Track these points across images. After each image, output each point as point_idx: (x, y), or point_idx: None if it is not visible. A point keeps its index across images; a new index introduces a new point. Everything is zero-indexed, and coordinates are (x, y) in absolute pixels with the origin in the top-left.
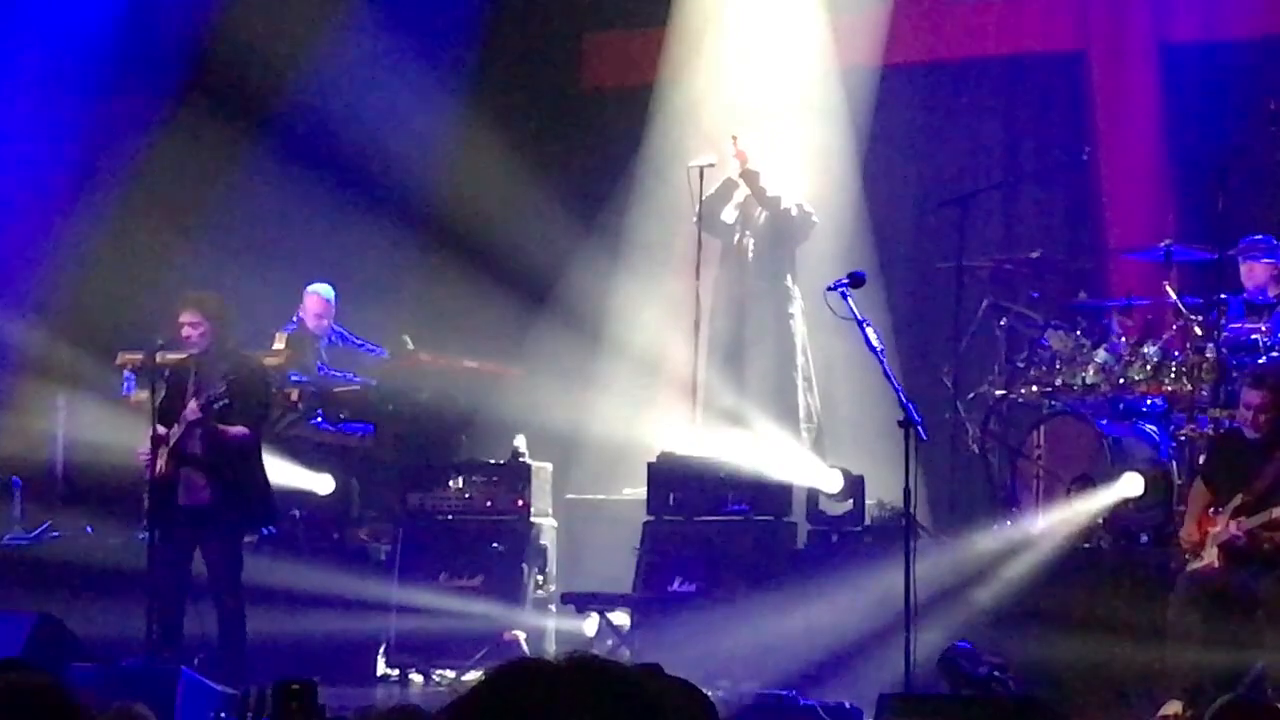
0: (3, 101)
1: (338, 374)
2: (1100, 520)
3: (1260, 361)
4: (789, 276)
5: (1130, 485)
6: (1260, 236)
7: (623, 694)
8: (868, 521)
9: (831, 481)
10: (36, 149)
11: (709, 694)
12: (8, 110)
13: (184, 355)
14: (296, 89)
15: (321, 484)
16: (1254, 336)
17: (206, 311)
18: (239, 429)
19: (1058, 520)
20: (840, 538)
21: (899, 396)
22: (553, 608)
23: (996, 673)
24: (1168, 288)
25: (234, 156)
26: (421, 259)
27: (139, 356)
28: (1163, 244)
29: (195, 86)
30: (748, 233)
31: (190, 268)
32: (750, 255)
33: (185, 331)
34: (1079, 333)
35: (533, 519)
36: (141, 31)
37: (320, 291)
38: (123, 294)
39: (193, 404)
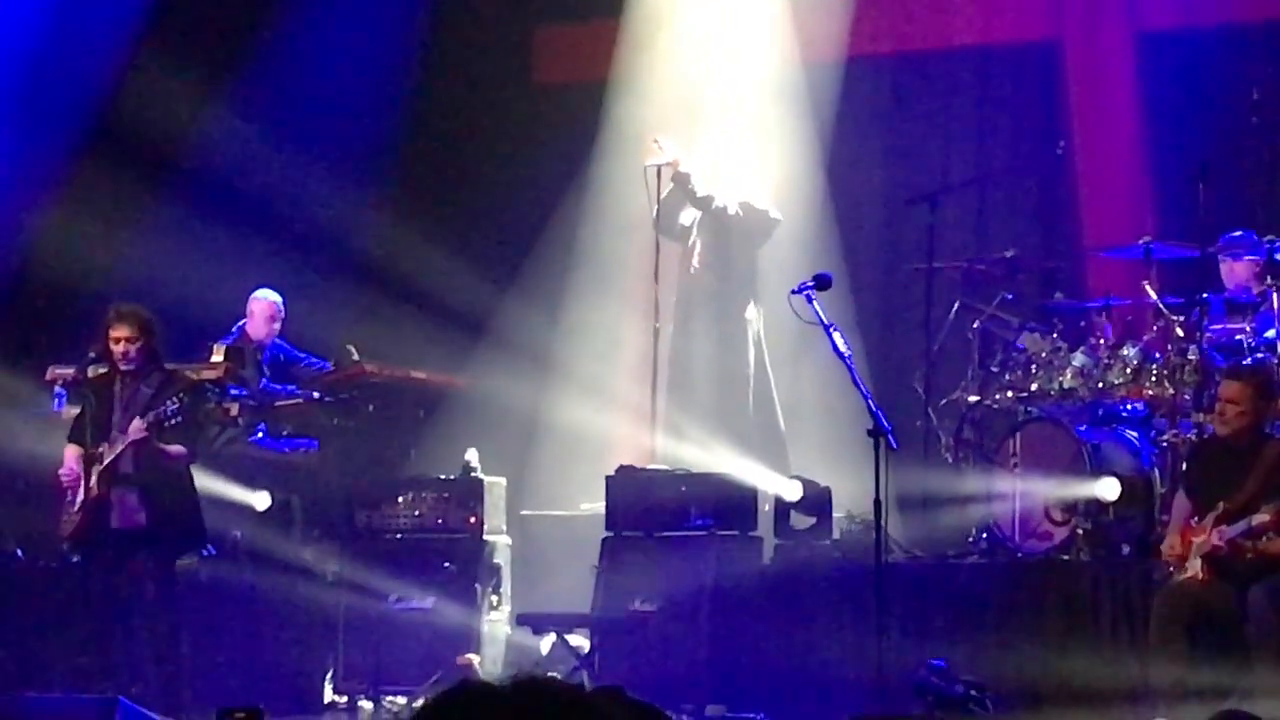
0: None
1: (279, 388)
2: (1080, 531)
3: (1245, 362)
4: (742, 280)
5: (1106, 489)
6: (1240, 233)
7: (571, 717)
8: (836, 535)
9: (791, 490)
10: None
11: (673, 718)
12: None
13: (108, 370)
14: (230, 98)
15: (258, 500)
16: (1238, 337)
17: (140, 324)
18: (178, 448)
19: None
20: (808, 553)
21: (868, 404)
22: (508, 629)
23: (973, 691)
24: (1147, 287)
25: (168, 166)
26: (365, 264)
27: (70, 371)
28: (1142, 241)
29: (122, 98)
30: (698, 236)
31: (119, 281)
32: (695, 258)
33: (122, 348)
34: (1055, 335)
35: (486, 536)
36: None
37: (268, 296)
38: (51, 308)
39: (138, 421)
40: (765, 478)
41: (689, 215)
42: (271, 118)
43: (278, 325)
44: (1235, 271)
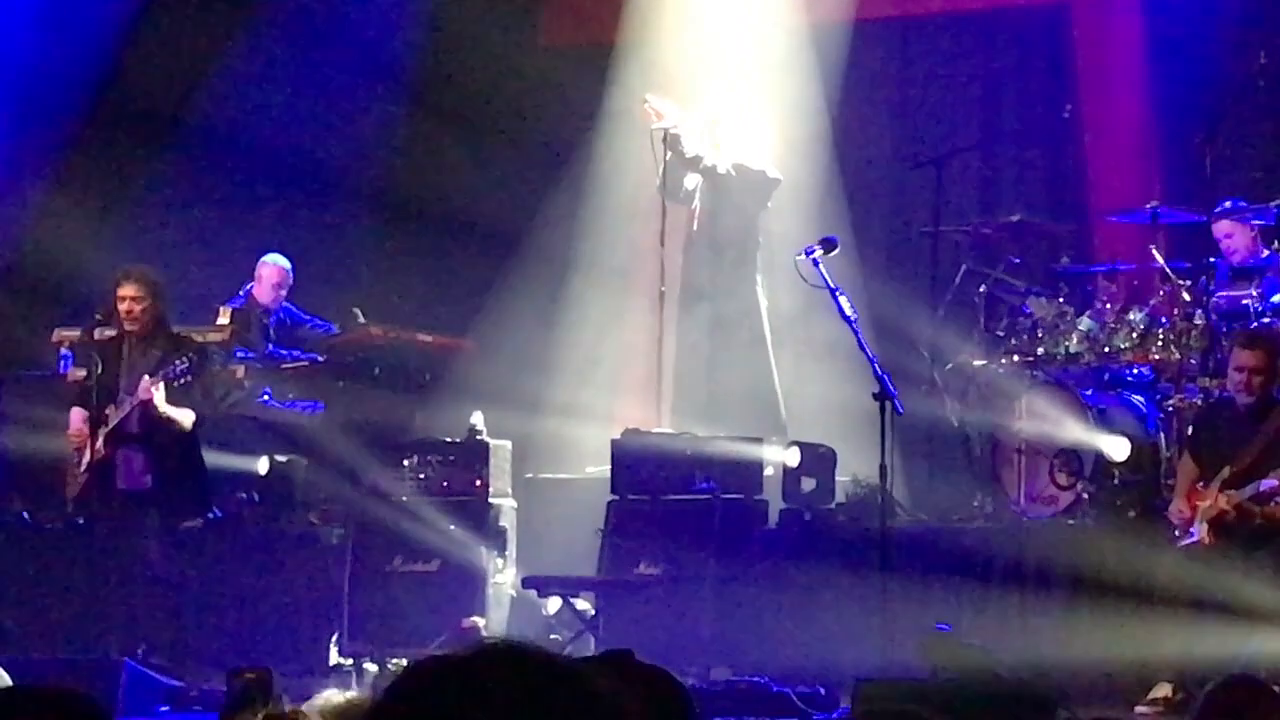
0: None
1: (285, 352)
2: (1085, 495)
3: (1252, 326)
4: (741, 241)
5: (1115, 447)
6: (1229, 203)
7: (546, 686)
8: (842, 499)
9: (789, 457)
10: None
11: (679, 681)
12: None
13: (114, 333)
14: (241, 62)
15: (259, 465)
16: (1244, 302)
17: (148, 285)
18: (184, 410)
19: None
20: (813, 516)
21: (874, 368)
22: (513, 592)
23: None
24: (1154, 251)
25: (169, 138)
26: (372, 226)
27: (76, 333)
28: (1149, 205)
29: (124, 75)
30: (698, 200)
31: (126, 247)
32: (695, 221)
33: (126, 306)
34: (1061, 299)
35: (491, 500)
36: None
37: (277, 261)
38: (57, 270)
39: (145, 381)
40: (760, 447)
41: (693, 179)
42: (279, 78)
43: (284, 291)
44: (1235, 244)
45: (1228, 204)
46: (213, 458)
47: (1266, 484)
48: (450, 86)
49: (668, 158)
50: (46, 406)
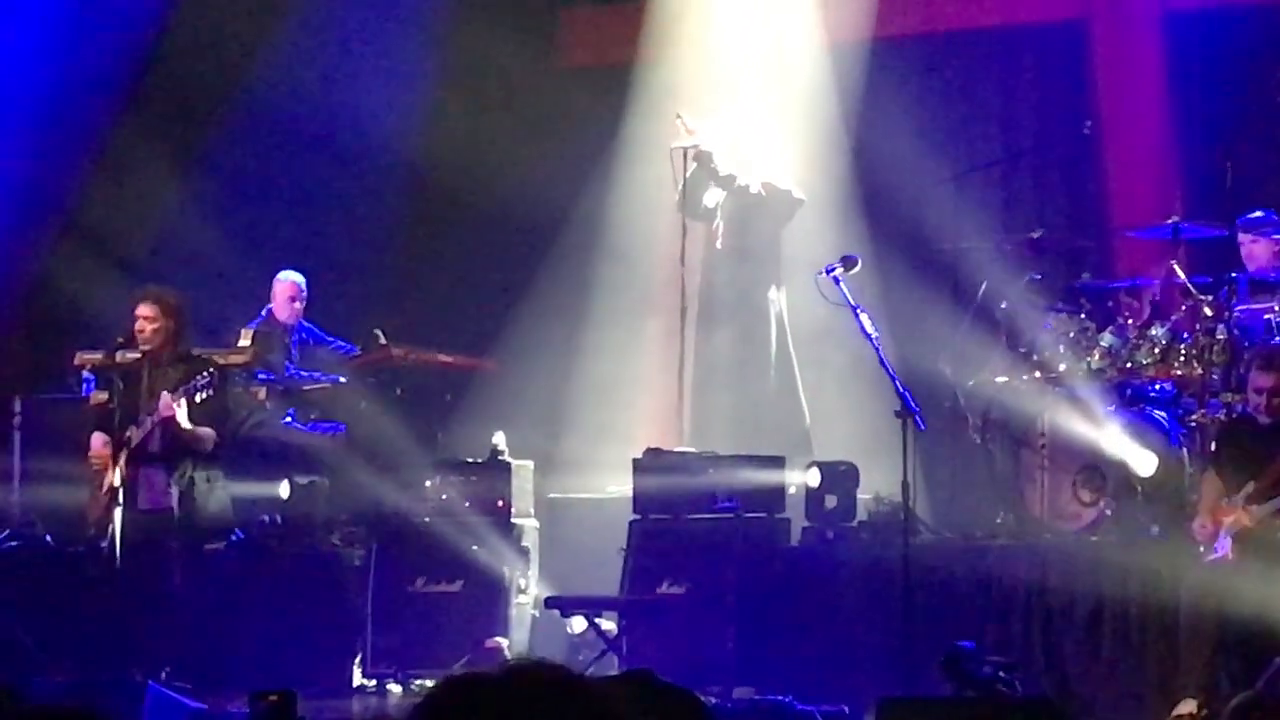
0: None
1: (306, 374)
2: (1108, 511)
3: (1273, 343)
4: (765, 260)
5: (1142, 462)
6: (1260, 214)
7: (571, 706)
8: (864, 516)
9: (810, 478)
10: None
11: (701, 700)
12: None
13: (137, 355)
14: (258, 79)
15: (280, 489)
16: (1266, 316)
17: (164, 306)
18: (206, 429)
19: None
20: (836, 534)
21: (895, 385)
22: (536, 612)
23: (1002, 673)
24: (1175, 267)
25: (195, 154)
26: (391, 249)
27: (98, 356)
28: (1169, 221)
29: (147, 85)
30: (720, 216)
31: (149, 267)
32: (720, 240)
33: (140, 325)
34: (1083, 315)
35: (513, 519)
36: (89, 35)
37: (291, 277)
38: (79, 293)
39: (166, 397)
40: (781, 470)
41: (713, 196)
42: (288, 109)
43: (299, 305)
44: (1255, 253)
45: (1259, 214)
46: (236, 485)
47: None
48: (467, 106)
49: (689, 175)
50: (69, 429)
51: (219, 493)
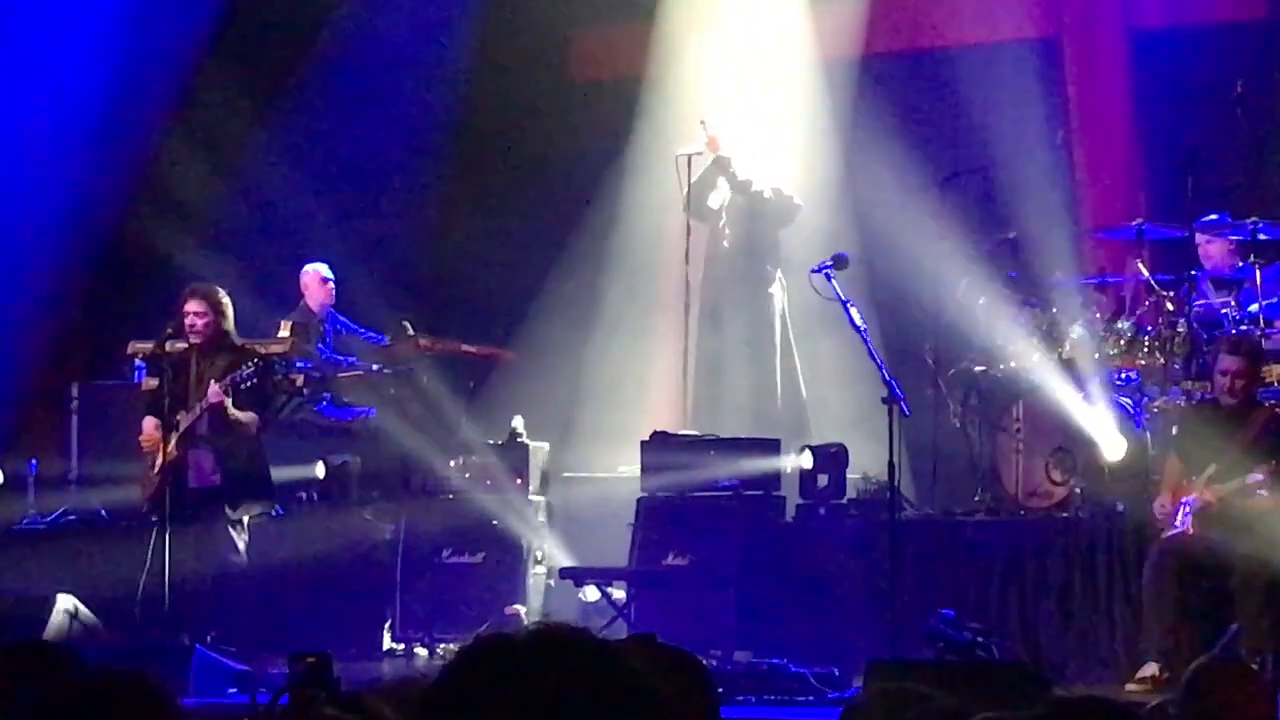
0: (13, 92)
1: (340, 358)
2: (1078, 490)
3: (1232, 333)
4: (768, 259)
5: (1110, 445)
6: (1215, 216)
7: (590, 664)
8: (853, 494)
9: (803, 461)
10: (44, 138)
11: (702, 663)
12: (20, 98)
13: (187, 345)
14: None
15: (316, 469)
16: (1223, 311)
17: (211, 302)
18: (250, 414)
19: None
20: (827, 511)
21: (882, 374)
22: (551, 582)
23: (980, 638)
24: (1140, 265)
25: (248, 144)
26: (420, 247)
27: (149, 345)
28: (1135, 223)
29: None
30: (727, 217)
31: (194, 264)
32: (727, 239)
33: (190, 320)
34: (1054, 310)
35: (531, 496)
36: (147, 21)
37: (318, 269)
38: (133, 284)
39: (214, 386)
40: (776, 455)
41: (717, 199)
42: (318, 114)
43: (330, 286)
44: (1211, 252)
45: (1213, 216)
46: (276, 465)
47: (1253, 477)
48: (487, 116)
49: (693, 179)
50: (122, 413)
51: (261, 472)
